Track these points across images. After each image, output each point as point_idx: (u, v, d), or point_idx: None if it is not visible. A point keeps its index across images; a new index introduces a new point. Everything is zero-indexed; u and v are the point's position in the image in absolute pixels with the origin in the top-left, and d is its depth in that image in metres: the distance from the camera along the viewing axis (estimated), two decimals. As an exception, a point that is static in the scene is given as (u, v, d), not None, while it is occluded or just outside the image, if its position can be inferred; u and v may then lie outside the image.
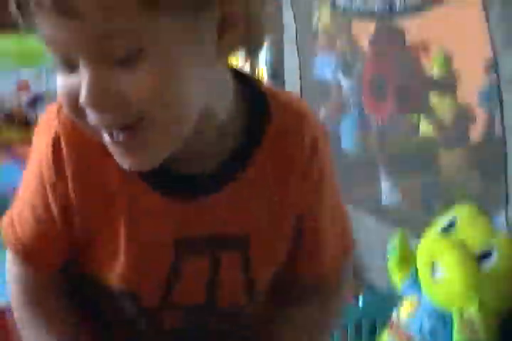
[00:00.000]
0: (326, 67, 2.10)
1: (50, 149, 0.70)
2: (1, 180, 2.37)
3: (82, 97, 0.60)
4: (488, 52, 1.46)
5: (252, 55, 0.69)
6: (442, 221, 1.53)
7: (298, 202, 0.75)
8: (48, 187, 0.71)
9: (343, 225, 0.83)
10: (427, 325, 1.51)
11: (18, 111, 2.78)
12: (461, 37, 1.57)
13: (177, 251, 0.73)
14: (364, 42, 1.88)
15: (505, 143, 1.55)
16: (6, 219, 0.77)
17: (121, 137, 0.62)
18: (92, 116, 0.61)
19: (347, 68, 2.00)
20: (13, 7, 0.61)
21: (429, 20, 1.61)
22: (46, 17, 0.58)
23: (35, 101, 2.86)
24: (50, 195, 0.71)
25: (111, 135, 0.62)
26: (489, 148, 1.61)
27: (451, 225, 1.50)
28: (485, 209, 1.52)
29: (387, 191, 1.80)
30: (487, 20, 1.43)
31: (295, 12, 2.00)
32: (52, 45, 0.61)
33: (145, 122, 0.62)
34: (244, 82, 0.73)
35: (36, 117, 2.86)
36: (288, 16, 2.00)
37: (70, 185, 0.69)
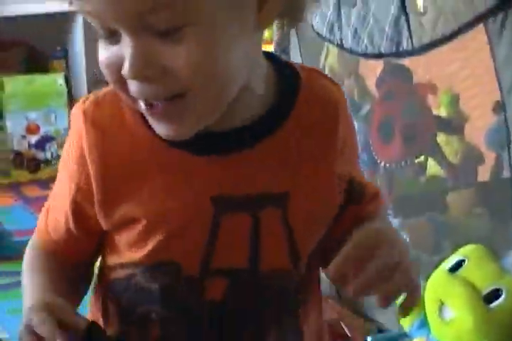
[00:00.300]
0: None
1: (76, 143, 0.71)
2: (10, 220, 2.36)
3: (125, 69, 0.61)
4: (496, 92, 1.47)
5: (288, 28, 0.72)
6: (450, 261, 1.52)
7: (338, 163, 0.75)
8: (73, 179, 0.72)
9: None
10: (432, 366, 1.60)
11: (27, 153, 2.80)
12: (469, 77, 1.58)
13: (215, 209, 0.72)
14: (371, 82, 1.85)
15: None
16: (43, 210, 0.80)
17: (160, 107, 0.63)
18: (133, 87, 0.63)
19: (354, 109, 2.03)
20: None
21: (437, 60, 1.61)
22: None
23: (44, 143, 2.82)
24: (75, 186, 0.72)
25: (150, 105, 0.63)
26: (497, 188, 1.60)
27: (459, 265, 1.50)
28: (493, 249, 1.51)
29: (398, 228, 1.72)
30: (494, 60, 1.44)
31: (302, 52, 1.97)
32: (95, 18, 0.62)
33: (187, 94, 0.62)
34: (269, 55, 0.74)
35: (45, 158, 2.81)
36: (295, 55, 1.97)
37: (93, 176, 0.69)
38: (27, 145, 2.75)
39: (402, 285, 0.70)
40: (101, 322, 0.78)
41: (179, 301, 0.77)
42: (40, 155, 2.76)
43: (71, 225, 0.74)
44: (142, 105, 0.64)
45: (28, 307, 0.70)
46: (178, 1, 0.59)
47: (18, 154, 2.82)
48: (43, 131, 2.78)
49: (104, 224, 0.73)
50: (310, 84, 0.74)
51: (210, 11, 0.61)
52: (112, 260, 0.78)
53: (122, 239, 0.74)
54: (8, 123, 2.78)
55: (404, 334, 1.61)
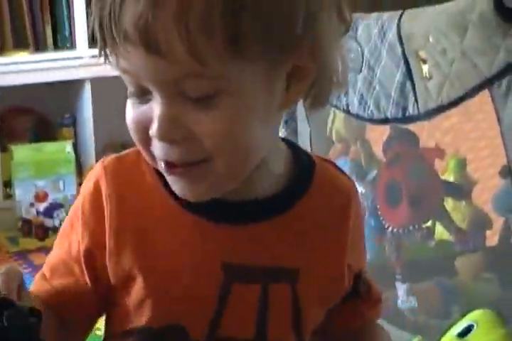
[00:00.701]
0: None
1: (89, 196, 0.73)
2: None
3: (153, 129, 0.62)
4: (503, 157, 1.47)
5: (313, 109, 0.73)
6: (459, 326, 1.53)
7: (348, 251, 0.77)
8: (83, 232, 0.73)
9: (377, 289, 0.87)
10: None
11: (35, 220, 2.83)
12: (476, 141, 1.60)
13: (225, 276, 0.73)
14: (378, 147, 1.95)
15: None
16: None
17: (181, 168, 0.64)
18: (157, 148, 0.64)
19: (361, 174, 2.04)
20: (97, 36, 0.66)
21: (443, 124, 1.63)
22: (131, 50, 0.62)
23: (53, 210, 2.85)
24: (85, 237, 0.73)
25: (171, 164, 0.64)
26: (506, 253, 1.57)
27: (468, 330, 1.50)
28: (502, 314, 1.50)
29: (403, 295, 1.73)
30: (500, 124, 1.40)
31: (309, 117, 1.98)
32: (130, 76, 0.64)
33: (209, 160, 0.64)
34: (288, 141, 0.78)
35: (53, 225, 2.79)
36: (302, 121, 2.02)
37: (108, 225, 0.71)
38: (35, 212, 2.77)
39: None
40: None
41: None
42: (49, 222, 2.78)
43: (81, 267, 0.75)
44: (162, 164, 0.66)
45: None
46: (214, 70, 0.61)
47: (26, 222, 2.83)
48: (51, 198, 2.80)
49: (111, 276, 0.73)
50: (324, 172, 0.77)
51: (243, 84, 0.63)
52: (116, 327, 0.78)
53: (128, 297, 0.75)
54: (17, 191, 2.82)
55: None
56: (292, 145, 0.77)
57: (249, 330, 0.75)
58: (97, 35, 0.66)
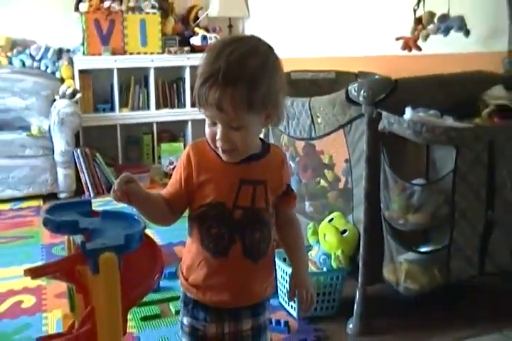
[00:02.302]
0: None
1: (187, 155, 1.37)
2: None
3: (218, 139, 1.27)
4: (346, 155, 2.61)
5: (273, 126, 1.74)
6: (328, 218, 2.63)
7: (283, 175, 1.46)
8: (183, 167, 1.37)
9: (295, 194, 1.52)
10: (322, 258, 2.62)
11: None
12: (336, 149, 2.78)
13: (240, 183, 1.36)
14: (300, 149, 3.13)
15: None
16: None
17: (227, 152, 1.30)
18: (218, 144, 1.28)
19: (293, 159, 3.18)
20: (196, 102, 1.29)
21: (324, 142, 2.79)
22: (211, 109, 1.25)
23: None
24: (183, 171, 1.37)
25: (223, 150, 1.30)
26: (345, 191, 2.77)
27: (331, 220, 2.65)
28: (344, 214, 2.62)
29: (307, 206, 3.00)
30: (346, 143, 2.66)
31: (273, 137, 3.15)
32: (209, 118, 1.28)
33: (237, 149, 1.30)
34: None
35: None
36: (271, 138, 3.16)
37: (194, 166, 1.35)
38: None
39: (313, 300, 1.49)
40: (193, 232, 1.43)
41: (224, 218, 1.37)
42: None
43: (181, 184, 1.36)
44: (220, 149, 1.29)
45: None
46: (242, 118, 1.24)
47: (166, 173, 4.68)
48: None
49: (195, 184, 1.33)
50: (273, 148, 1.44)
51: (252, 122, 1.28)
52: (195, 205, 1.37)
53: (200, 193, 1.35)
54: (162, 160, 4.86)
55: (309, 246, 2.64)
56: (262, 140, 1.41)
57: (248, 202, 1.38)
58: (197, 102, 1.29)
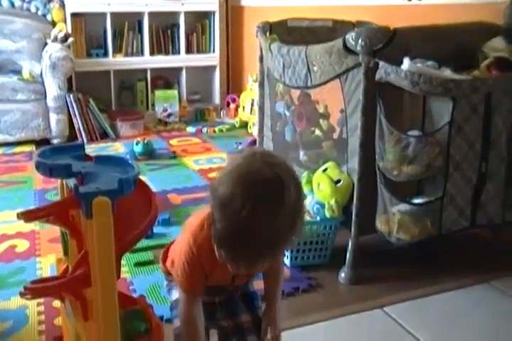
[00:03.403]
0: (280, 107, 3.19)
1: (195, 257, 1.39)
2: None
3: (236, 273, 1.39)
4: (341, 104, 2.52)
5: None
6: (322, 167, 2.65)
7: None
8: (198, 267, 1.40)
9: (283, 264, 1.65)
10: (315, 207, 2.64)
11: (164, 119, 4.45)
12: (332, 98, 2.73)
13: (234, 276, 1.50)
14: (295, 98, 3.11)
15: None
16: (178, 277, 1.45)
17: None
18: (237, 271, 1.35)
19: (288, 108, 3.19)
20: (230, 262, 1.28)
21: (320, 91, 2.75)
22: (238, 266, 1.29)
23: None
24: (199, 269, 1.41)
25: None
26: (340, 141, 2.80)
27: (325, 169, 2.64)
28: (338, 164, 2.64)
29: (302, 155, 3.03)
30: (342, 92, 2.57)
31: (269, 86, 3.15)
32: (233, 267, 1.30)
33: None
34: None
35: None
36: (266, 88, 3.21)
37: (205, 264, 1.41)
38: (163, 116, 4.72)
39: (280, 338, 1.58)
40: None
41: (218, 291, 1.58)
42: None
43: (203, 272, 1.43)
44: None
45: None
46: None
47: (160, 120, 4.91)
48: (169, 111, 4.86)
49: (206, 274, 1.44)
50: None
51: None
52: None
53: (207, 279, 1.46)
54: (156, 107, 4.71)
55: (303, 195, 2.36)
56: None
57: (244, 281, 1.57)
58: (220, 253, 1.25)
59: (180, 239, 1.44)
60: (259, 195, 1.14)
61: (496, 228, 2.70)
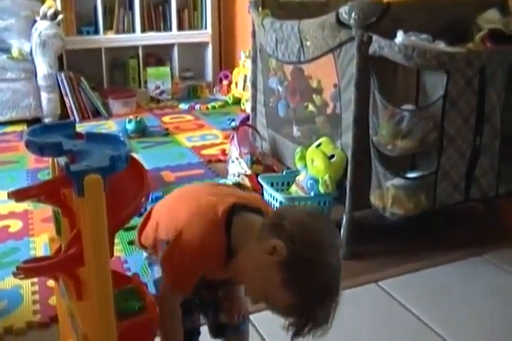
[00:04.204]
0: (273, 82, 3.24)
1: (203, 259, 1.31)
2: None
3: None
4: (335, 79, 2.50)
5: None
6: (316, 143, 2.64)
7: None
8: (202, 259, 1.31)
9: None
10: (309, 183, 2.64)
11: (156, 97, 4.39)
12: (325, 73, 2.69)
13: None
14: (288, 73, 3.11)
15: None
16: (168, 273, 1.36)
17: None
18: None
19: (281, 83, 3.21)
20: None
21: (313, 66, 2.74)
22: None
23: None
24: (202, 262, 1.31)
25: None
26: (333, 116, 2.79)
27: (319, 145, 2.62)
28: (332, 139, 2.60)
29: (295, 131, 3.03)
30: (336, 67, 2.56)
31: (262, 61, 3.20)
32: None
33: None
34: None
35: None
36: (259, 63, 3.20)
37: (207, 260, 1.31)
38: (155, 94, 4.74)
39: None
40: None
41: (214, 282, 1.48)
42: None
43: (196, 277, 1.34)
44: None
45: None
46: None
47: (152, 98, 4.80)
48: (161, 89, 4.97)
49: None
50: None
51: None
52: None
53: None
54: (148, 85, 4.62)
55: (297, 170, 2.73)
56: None
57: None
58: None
59: (184, 217, 1.33)
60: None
61: (490, 202, 2.72)
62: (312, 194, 2.66)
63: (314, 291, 1.16)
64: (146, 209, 1.21)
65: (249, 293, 1.26)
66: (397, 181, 2.43)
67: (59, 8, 5.10)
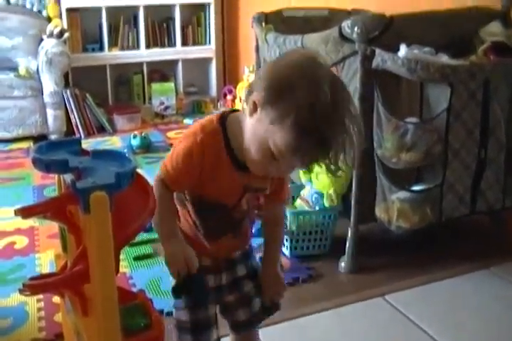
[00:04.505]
0: None
1: (200, 151, 1.26)
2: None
3: (277, 172, 1.25)
4: None
5: None
6: None
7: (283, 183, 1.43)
8: (196, 160, 1.27)
9: (289, 190, 1.47)
10: (314, 197, 2.67)
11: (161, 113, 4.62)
12: None
13: (243, 189, 1.36)
14: None
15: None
16: (163, 167, 1.33)
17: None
18: (269, 173, 1.26)
19: None
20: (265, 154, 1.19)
21: None
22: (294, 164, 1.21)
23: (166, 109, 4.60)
24: (196, 163, 1.27)
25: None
26: None
27: None
28: None
29: None
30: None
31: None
32: (281, 162, 1.19)
33: None
34: None
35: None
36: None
37: (206, 160, 1.27)
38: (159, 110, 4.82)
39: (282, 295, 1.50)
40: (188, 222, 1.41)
41: (222, 217, 1.40)
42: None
43: (193, 175, 1.31)
44: (263, 173, 1.27)
45: (170, 253, 1.29)
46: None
47: (157, 113, 4.74)
48: (165, 104, 4.96)
49: (203, 179, 1.31)
50: None
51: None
52: (197, 192, 1.36)
53: (206, 188, 1.33)
54: (153, 101, 4.73)
55: (302, 185, 2.75)
56: None
57: (246, 205, 1.40)
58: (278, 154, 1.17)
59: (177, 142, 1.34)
60: (335, 78, 1.16)
61: (496, 214, 2.70)
62: (317, 208, 2.66)
63: (306, 110, 1.10)
64: (151, 224, 1.21)
65: (254, 158, 1.24)
66: (403, 194, 2.43)
67: (65, 26, 5.13)
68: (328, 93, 1.09)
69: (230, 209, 1.38)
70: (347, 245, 2.48)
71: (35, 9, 5.25)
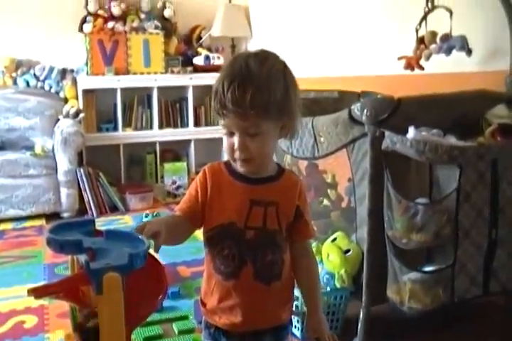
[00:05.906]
0: None
1: (203, 174, 1.41)
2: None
3: (236, 149, 1.31)
4: (349, 173, 2.52)
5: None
6: (331, 237, 2.66)
7: (297, 200, 1.42)
8: (199, 185, 1.39)
9: (313, 228, 1.50)
10: (325, 277, 2.63)
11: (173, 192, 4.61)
12: (339, 168, 2.71)
13: (250, 204, 1.37)
14: (303, 168, 3.06)
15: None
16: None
17: (243, 161, 1.32)
18: (236, 155, 1.32)
19: None
20: (215, 113, 1.31)
21: (327, 161, 2.76)
22: (228, 114, 1.28)
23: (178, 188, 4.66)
24: (199, 188, 1.39)
25: (240, 160, 1.32)
26: (347, 210, 2.71)
27: (334, 239, 2.66)
28: (347, 234, 2.61)
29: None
30: (349, 161, 2.61)
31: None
32: (227, 127, 1.31)
33: (253, 159, 1.32)
34: None
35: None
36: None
37: (209, 187, 1.39)
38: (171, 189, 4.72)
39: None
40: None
41: (235, 239, 1.39)
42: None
43: (197, 199, 1.39)
44: (238, 161, 1.33)
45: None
46: (260, 125, 1.28)
47: (169, 192, 4.99)
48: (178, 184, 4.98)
49: (208, 203, 1.38)
50: (288, 172, 1.46)
51: (268, 129, 1.30)
52: (207, 226, 1.41)
53: (213, 214, 1.38)
54: (165, 179, 4.84)
55: None
56: (278, 164, 1.46)
57: (259, 223, 1.38)
58: (215, 111, 1.31)
59: None
60: (250, 53, 1.38)
61: (511, 295, 2.65)
62: (328, 289, 2.63)
63: (227, 69, 1.36)
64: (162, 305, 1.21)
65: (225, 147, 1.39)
66: (414, 275, 2.41)
67: (81, 106, 5.25)
68: (242, 62, 1.32)
69: (240, 229, 1.38)
70: (359, 326, 2.44)
71: (53, 91, 5.41)
